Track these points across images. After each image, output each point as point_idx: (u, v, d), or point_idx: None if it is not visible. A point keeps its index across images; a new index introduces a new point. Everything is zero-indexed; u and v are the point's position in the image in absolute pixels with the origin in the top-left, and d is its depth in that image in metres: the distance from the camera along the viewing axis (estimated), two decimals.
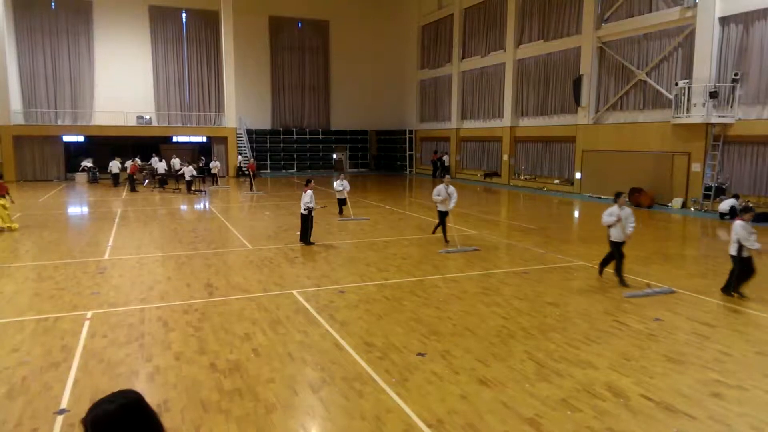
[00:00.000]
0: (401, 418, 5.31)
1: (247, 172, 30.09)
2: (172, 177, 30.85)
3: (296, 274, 10.92)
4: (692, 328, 7.78)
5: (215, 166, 31.02)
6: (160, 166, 30.33)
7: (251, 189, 26.84)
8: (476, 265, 11.71)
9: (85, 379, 6.15)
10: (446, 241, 13.83)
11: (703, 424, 5.19)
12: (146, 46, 35.58)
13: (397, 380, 6.11)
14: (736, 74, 19.24)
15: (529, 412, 5.42)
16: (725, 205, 18.24)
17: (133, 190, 27.14)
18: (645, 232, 16.14)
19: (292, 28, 39.37)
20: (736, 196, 18.47)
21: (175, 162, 32.77)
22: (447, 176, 14.58)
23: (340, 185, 18.20)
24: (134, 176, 27.74)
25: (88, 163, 32.24)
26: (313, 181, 14.51)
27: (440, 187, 13.74)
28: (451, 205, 13.74)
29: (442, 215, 14.01)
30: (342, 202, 18.38)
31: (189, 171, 26.21)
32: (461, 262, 12.00)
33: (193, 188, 26.46)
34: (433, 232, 14.79)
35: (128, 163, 28.83)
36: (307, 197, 13.61)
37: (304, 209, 13.66)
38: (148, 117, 35.14)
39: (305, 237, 13.79)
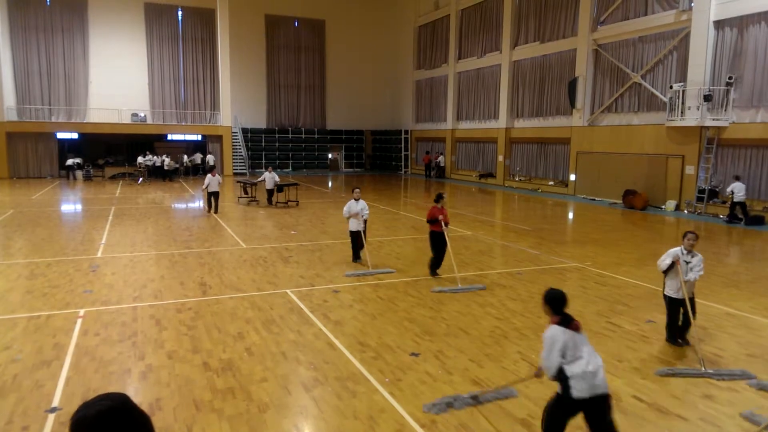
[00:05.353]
0: (394, 417, 5.32)
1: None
2: (169, 173, 31.69)
3: (290, 273, 10.90)
4: None
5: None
6: (157, 161, 31.21)
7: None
8: (471, 265, 11.72)
9: (77, 378, 6.12)
10: (357, 259, 11.69)
11: (694, 426, 5.22)
12: (141, 43, 35.41)
13: (390, 380, 6.12)
14: (730, 78, 19.34)
15: (521, 412, 5.43)
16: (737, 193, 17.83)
17: None
18: (638, 233, 16.22)
19: (288, 26, 39.31)
20: None
21: (196, 158, 34.63)
22: (357, 189, 11.54)
23: None
24: None
25: (78, 160, 32.21)
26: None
27: (351, 202, 11.33)
28: (362, 224, 11.31)
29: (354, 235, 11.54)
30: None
31: (271, 178, 20.85)
32: (455, 260, 12.00)
33: (274, 200, 21.18)
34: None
35: None
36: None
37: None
38: (142, 114, 34.99)
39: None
